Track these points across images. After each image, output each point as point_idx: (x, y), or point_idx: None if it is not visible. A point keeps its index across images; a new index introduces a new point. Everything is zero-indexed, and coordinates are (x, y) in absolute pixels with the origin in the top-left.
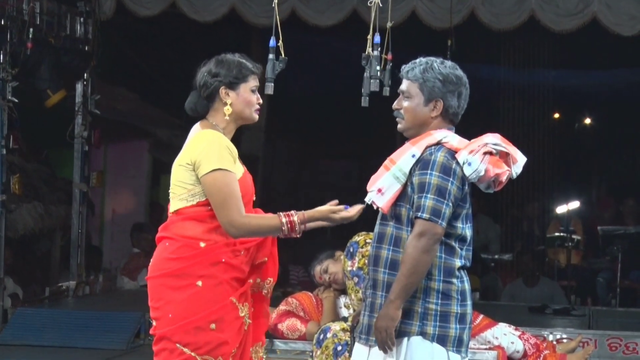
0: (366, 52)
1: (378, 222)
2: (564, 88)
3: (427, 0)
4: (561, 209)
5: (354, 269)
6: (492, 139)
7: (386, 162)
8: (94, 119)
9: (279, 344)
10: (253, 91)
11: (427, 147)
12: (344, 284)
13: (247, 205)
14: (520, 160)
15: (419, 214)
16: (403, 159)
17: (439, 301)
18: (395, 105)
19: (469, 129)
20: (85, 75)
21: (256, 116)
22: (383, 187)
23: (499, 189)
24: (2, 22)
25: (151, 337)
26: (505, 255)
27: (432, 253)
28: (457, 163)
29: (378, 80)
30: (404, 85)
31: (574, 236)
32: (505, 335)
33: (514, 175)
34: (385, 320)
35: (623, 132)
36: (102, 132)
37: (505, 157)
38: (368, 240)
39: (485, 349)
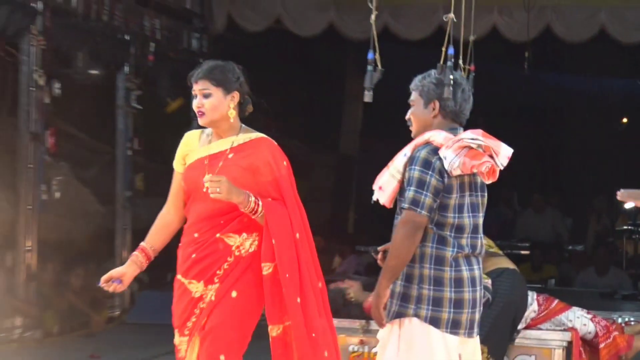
0: (440, 63)
1: (395, 216)
2: (633, 95)
3: (506, 16)
4: (629, 204)
5: None
6: (470, 135)
7: (389, 162)
8: None
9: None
10: (194, 97)
11: (416, 146)
12: None
13: (196, 192)
14: (503, 152)
15: (402, 204)
16: (398, 159)
17: (432, 287)
18: (406, 116)
19: (543, 131)
20: None
21: (199, 120)
22: (383, 184)
23: (494, 179)
24: (127, 38)
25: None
26: (577, 246)
27: (414, 239)
28: (438, 158)
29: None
30: (411, 96)
31: None
32: (579, 318)
33: (500, 166)
34: (374, 298)
35: None
36: None
37: (487, 150)
38: None
39: (561, 330)
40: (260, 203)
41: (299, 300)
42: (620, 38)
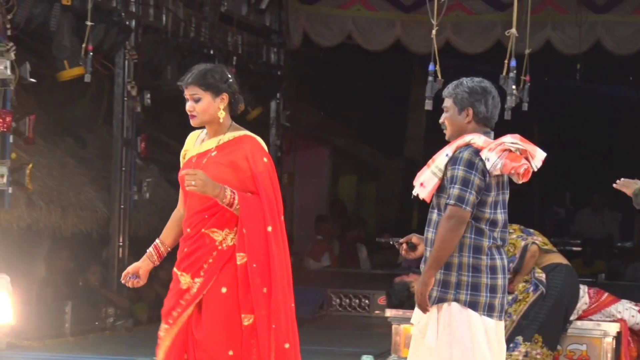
0: (503, 74)
1: (429, 210)
2: None
3: (559, 31)
4: None
5: None
6: (510, 139)
7: (429, 161)
8: (285, 130)
9: None
10: (187, 101)
11: (457, 147)
12: None
13: (185, 192)
14: (538, 155)
15: (448, 200)
16: (439, 158)
17: (470, 274)
18: (440, 120)
19: (594, 137)
20: (277, 95)
21: (191, 122)
22: (424, 181)
23: (526, 180)
24: (212, 52)
25: (334, 308)
26: (626, 243)
27: (458, 232)
28: (480, 159)
29: (514, 97)
30: (444, 102)
31: None
32: (627, 309)
33: (535, 168)
34: (420, 285)
35: None
36: (292, 141)
37: (524, 153)
38: (511, 231)
39: (610, 321)
40: (236, 196)
41: (265, 290)
42: None
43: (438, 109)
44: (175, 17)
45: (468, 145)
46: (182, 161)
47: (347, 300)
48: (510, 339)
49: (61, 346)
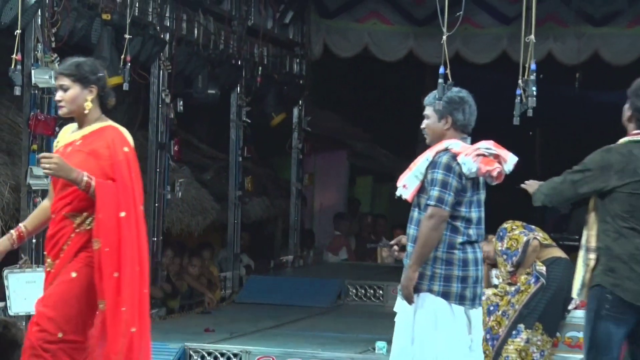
0: (525, 77)
1: (411, 209)
2: None
3: (560, 43)
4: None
5: (503, 248)
6: (485, 145)
7: (411, 165)
8: (307, 134)
9: None
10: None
11: (437, 153)
12: (495, 260)
13: (52, 179)
14: (510, 160)
15: (429, 201)
16: (420, 162)
17: (443, 267)
18: (422, 125)
19: (591, 140)
20: (300, 102)
21: (59, 111)
22: (407, 183)
23: (499, 182)
24: (239, 63)
25: (351, 298)
26: None
27: (439, 230)
28: (458, 163)
29: (529, 100)
30: (425, 110)
31: None
32: None
33: (507, 171)
34: (405, 280)
35: None
36: (313, 145)
37: (497, 157)
38: (514, 227)
39: None
40: (92, 182)
41: (116, 274)
42: None
43: None
44: (206, 30)
45: (446, 150)
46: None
47: (363, 291)
48: (513, 327)
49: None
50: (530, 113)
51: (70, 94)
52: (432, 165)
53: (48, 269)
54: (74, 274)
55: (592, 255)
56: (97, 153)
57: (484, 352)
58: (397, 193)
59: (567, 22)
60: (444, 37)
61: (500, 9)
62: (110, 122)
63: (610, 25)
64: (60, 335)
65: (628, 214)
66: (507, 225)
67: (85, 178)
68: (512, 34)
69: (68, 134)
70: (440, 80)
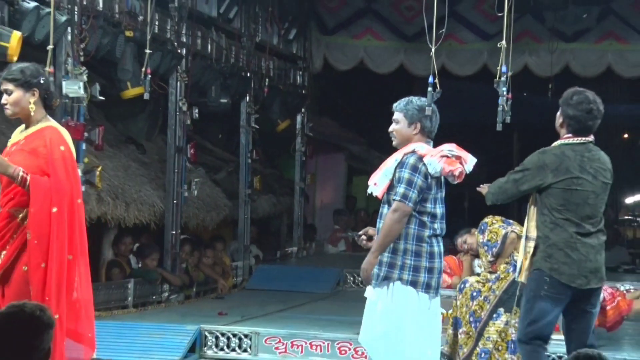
0: (496, 79)
1: (381, 205)
2: (632, 116)
3: (535, 57)
4: (629, 200)
5: (484, 240)
6: (448, 147)
7: (382, 165)
8: (309, 139)
9: None
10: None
11: (405, 154)
12: (477, 251)
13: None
14: (470, 161)
15: (394, 197)
16: (390, 162)
17: (412, 258)
18: (390, 129)
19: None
20: (302, 109)
21: (5, 113)
22: (377, 181)
23: (460, 181)
24: (248, 75)
25: (348, 285)
26: None
27: (401, 223)
28: (424, 164)
29: (505, 105)
30: (395, 115)
31: (638, 218)
32: None
33: (467, 171)
34: (366, 264)
35: None
36: (314, 148)
37: (459, 159)
38: (494, 222)
39: None
40: (28, 177)
41: (43, 265)
42: (622, 74)
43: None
44: (219, 46)
45: (413, 152)
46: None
47: (359, 279)
48: (493, 310)
49: (125, 316)
50: (508, 120)
51: (13, 97)
52: (400, 165)
53: None
54: (25, 268)
55: (531, 244)
56: (36, 151)
57: (468, 334)
58: (369, 190)
59: (541, 38)
60: (432, 52)
61: (481, 26)
62: (51, 123)
63: (579, 41)
64: None
65: (563, 206)
66: (487, 219)
67: (21, 173)
68: (492, 49)
69: (17, 134)
70: (430, 89)
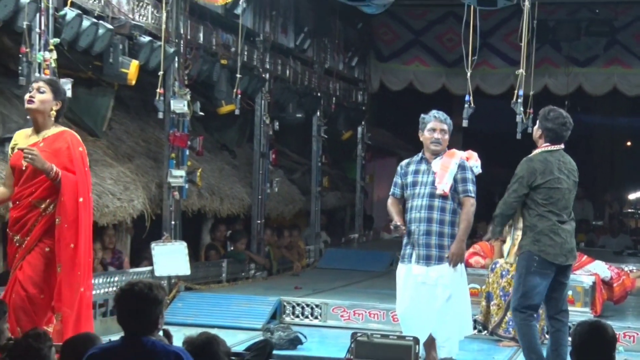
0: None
1: (425, 200)
2: (634, 128)
3: (553, 79)
4: (632, 196)
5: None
6: (471, 152)
7: (442, 167)
8: (367, 146)
9: (469, 270)
10: (30, 90)
11: (461, 158)
12: (505, 237)
13: (18, 172)
14: (474, 158)
15: (470, 194)
16: (452, 166)
17: (451, 239)
18: (440, 137)
19: (577, 151)
20: (362, 122)
21: (26, 105)
22: (445, 181)
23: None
24: (319, 94)
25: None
26: (598, 222)
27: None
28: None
29: (522, 118)
30: (444, 127)
31: (639, 211)
32: (600, 267)
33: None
34: (460, 250)
35: None
36: (372, 153)
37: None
38: None
39: (588, 275)
40: (60, 172)
41: (72, 245)
42: (626, 92)
43: (469, 128)
44: (295, 71)
45: (460, 157)
46: (10, 152)
47: None
48: None
49: (220, 289)
50: (530, 130)
51: (44, 96)
52: (462, 167)
53: (17, 245)
54: (47, 249)
55: (518, 232)
56: (59, 151)
57: (499, 305)
58: (440, 189)
59: (558, 63)
60: (468, 75)
61: (509, 54)
62: (66, 128)
63: (590, 66)
64: (42, 296)
65: (546, 201)
66: None
67: (55, 168)
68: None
69: (24, 138)
70: (466, 106)
